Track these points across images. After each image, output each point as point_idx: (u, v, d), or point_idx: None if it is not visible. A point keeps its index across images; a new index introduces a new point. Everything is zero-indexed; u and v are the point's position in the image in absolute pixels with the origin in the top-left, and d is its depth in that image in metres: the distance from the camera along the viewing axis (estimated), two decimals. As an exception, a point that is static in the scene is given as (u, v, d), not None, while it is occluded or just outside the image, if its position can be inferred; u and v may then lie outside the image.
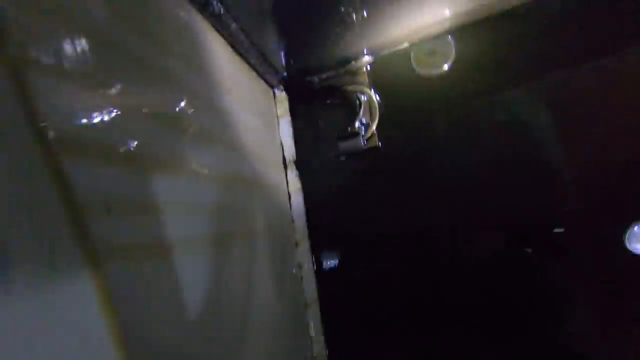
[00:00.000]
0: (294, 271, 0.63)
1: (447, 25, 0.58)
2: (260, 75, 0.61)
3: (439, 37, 0.60)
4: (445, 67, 0.60)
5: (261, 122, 0.59)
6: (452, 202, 0.60)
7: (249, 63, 0.57)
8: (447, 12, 0.58)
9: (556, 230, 0.53)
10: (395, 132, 0.63)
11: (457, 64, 0.60)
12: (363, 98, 0.63)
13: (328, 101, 0.66)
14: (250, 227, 0.42)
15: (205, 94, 0.37)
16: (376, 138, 0.63)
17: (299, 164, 0.67)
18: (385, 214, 0.64)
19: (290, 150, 0.67)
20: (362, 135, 0.62)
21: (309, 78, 0.66)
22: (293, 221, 0.65)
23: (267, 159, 0.59)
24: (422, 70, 0.61)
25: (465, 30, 0.58)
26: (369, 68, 0.63)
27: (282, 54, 0.70)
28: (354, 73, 0.64)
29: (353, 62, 0.63)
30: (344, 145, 0.62)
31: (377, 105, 0.63)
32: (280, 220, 0.61)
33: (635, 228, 0.45)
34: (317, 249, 0.66)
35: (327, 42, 0.64)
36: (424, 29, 0.59)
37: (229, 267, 0.32)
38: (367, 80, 0.64)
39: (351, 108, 0.64)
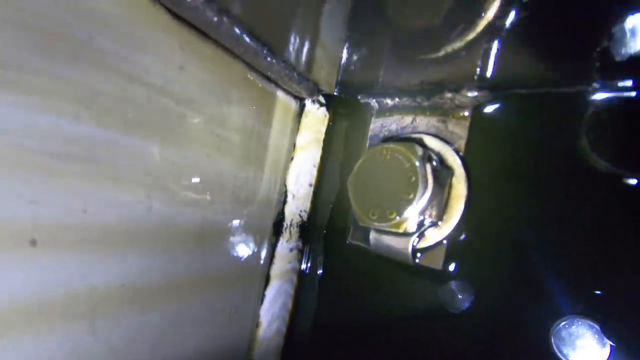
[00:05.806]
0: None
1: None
2: (262, 71, 0.34)
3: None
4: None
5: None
6: None
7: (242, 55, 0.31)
8: None
9: None
10: (486, 254, 0.30)
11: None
12: (438, 163, 0.32)
13: (390, 145, 0.36)
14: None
15: None
16: (442, 252, 0.31)
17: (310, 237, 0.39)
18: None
19: (294, 206, 0.40)
20: (416, 238, 0.31)
21: (364, 99, 0.37)
22: None
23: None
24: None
25: None
26: (482, 112, 0.32)
27: (345, 47, 0.41)
28: (446, 112, 0.33)
29: (449, 94, 0.32)
30: (379, 240, 0.33)
31: (465, 190, 0.31)
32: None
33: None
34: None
35: (425, 47, 0.34)
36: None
37: None
38: (466, 136, 0.32)
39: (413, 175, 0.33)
